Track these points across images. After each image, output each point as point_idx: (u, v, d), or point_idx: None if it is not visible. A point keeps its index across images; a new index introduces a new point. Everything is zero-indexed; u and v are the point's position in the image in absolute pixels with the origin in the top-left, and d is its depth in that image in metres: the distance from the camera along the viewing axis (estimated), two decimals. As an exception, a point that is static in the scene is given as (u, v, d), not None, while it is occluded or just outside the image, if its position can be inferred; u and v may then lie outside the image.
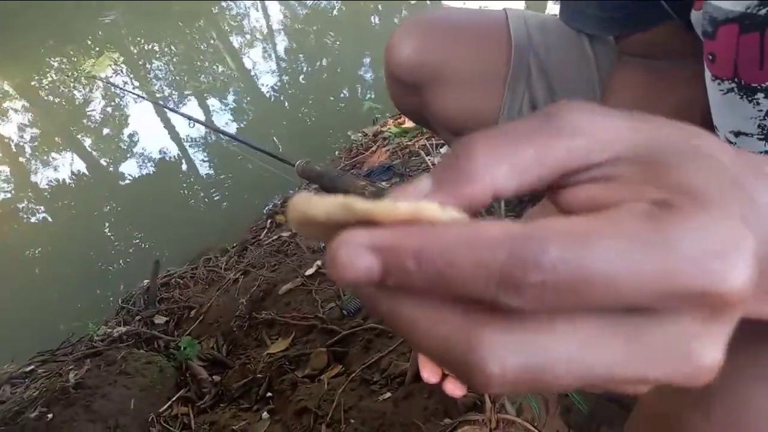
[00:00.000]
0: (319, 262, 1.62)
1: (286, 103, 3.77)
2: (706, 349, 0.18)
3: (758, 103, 0.45)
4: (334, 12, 4.90)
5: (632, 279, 0.16)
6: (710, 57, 0.47)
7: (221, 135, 2.79)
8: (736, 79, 0.45)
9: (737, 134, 0.49)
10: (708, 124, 0.57)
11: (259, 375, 1.33)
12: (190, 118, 2.52)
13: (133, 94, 3.71)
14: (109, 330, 1.77)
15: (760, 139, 0.47)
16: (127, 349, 1.57)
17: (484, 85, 0.78)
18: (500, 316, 0.17)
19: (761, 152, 0.48)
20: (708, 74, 0.49)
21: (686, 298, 0.17)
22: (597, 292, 0.16)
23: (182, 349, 1.50)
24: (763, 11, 0.40)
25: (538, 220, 0.17)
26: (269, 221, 2.13)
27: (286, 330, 1.43)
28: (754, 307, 0.21)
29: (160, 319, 1.80)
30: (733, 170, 0.19)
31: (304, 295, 1.51)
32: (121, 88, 3.86)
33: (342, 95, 3.66)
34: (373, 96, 3.43)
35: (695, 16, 0.52)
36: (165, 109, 3.43)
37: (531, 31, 0.78)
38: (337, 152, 2.59)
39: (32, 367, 1.66)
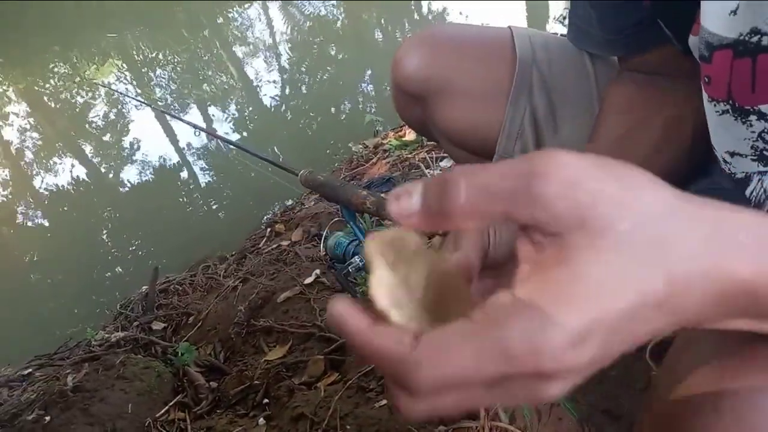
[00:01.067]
0: (317, 271, 1.64)
1: (288, 114, 3.80)
2: (548, 391, 0.26)
3: (751, 125, 0.47)
4: (338, 25, 4.96)
5: (476, 372, 0.25)
6: (706, 79, 0.49)
7: (224, 143, 2.81)
8: (730, 101, 0.47)
9: (732, 154, 0.50)
10: (699, 142, 0.59)
11: (256, 381, 1.34)
12: (193, 125, 2.55)
13: (136, 100, 3.74)
14: (107, 335, 1.78)
15: (753, 160, 0.49)
16: (125, 354, 1.58)
17: (488, 99, 0.80)
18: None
19: (755, 172, 0.50)
20: (705, 96, 0.51)
21: (519, 375, 0.25)
22: (456, 388, 0.26)
23: (180, 354, 1.51)
24: (754, 39, 0.43)
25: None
26: (269, 230, 2.15)
27: (283, 337, 1.44)
28: (716, 325, 0.29)
29: (158, 325, 1.81)
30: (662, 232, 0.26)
31: (302, 304, 1.52)
32: (123, 94, 3.89)
33: (343, 107, 3.69)
34: (374, 108, 3.46)
35: (693, 41, 0.54)
36: (167, 117, 3.45)
37: (535, 48, 0.80)
38: (337, 163, 2.61)
39: (30, 370, 1.66)
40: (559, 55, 0.81)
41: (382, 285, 0.28)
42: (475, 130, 0.80)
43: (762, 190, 0.48)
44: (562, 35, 0.88)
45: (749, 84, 0.45)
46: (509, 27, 0.84)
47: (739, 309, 0.28)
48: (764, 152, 0.48)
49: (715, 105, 0.49)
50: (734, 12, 0.44)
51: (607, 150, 0.67)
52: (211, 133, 3.03)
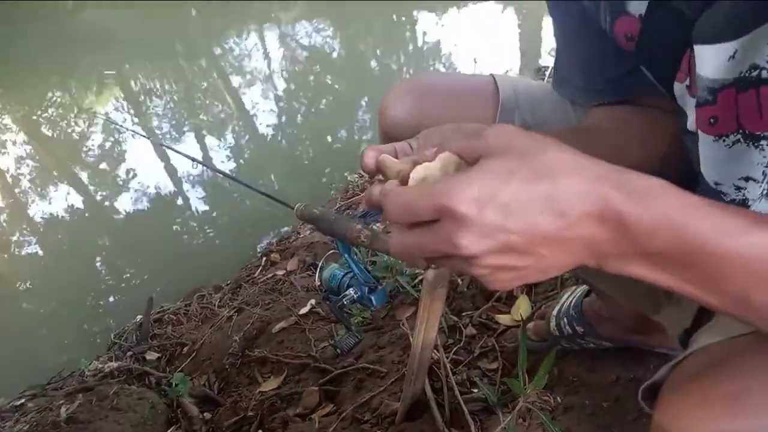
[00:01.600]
0: (312, 302, 1.65)
1: (284, 142, 3.84)
2: (459, 235, 0.38)
3: (763, 149, 0.48)
4: (334, 55, 5.04)
5: (416, 207, 0.40)
6: (712, 121, 0.51)
7: (221, 175, 2.83)
8: (740, 131, 0.49)
9: (747, 179, 0.52)
10: (675, 156, 0.62)
11: (250, 413, 1.34)
12: (191, 158, 2.57)
13: (132, 131, 3.77)
14: (100, 365, 1.77)
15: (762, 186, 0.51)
16: (119, 384, 1.57)
17: None
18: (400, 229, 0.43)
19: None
20: (708, 137, 0.52)
21: (437, 213, 0.38)
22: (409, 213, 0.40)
23: (174, 385, 1.51)
24: (754, 74, 0.45)
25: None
26: (264, 259, 2.16)
27: (278, 368, 1.45)
28: (616, 265, 0.39)
29: (152, 355, 1.80)
30: (541, 163, 0.39)
31: (297, 334, 1.53)
32: (120, 126, 3.92)
33: (339, 136, 3.73)
34: (369, 137, 3.50)
35: (678, 87, 0.56)
36: (159, 146, 3.48)
37: (518, 93, 0.84)
38: (333, 192, 2.63)
39: (22, 401, 1.65)
40: (542, 99, 0.84)
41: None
42: None
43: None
44: (547, 81, 0.91)
45: (757, 112, 0.47)
46: (491, 74, 0.87)
47: (613, 238, 0.38)
48: None
49: (724, 140, 0.51)
50: (733, 57, 0.46)
51: (577, 136, 0.71)
52: (207, 165, 3.06)
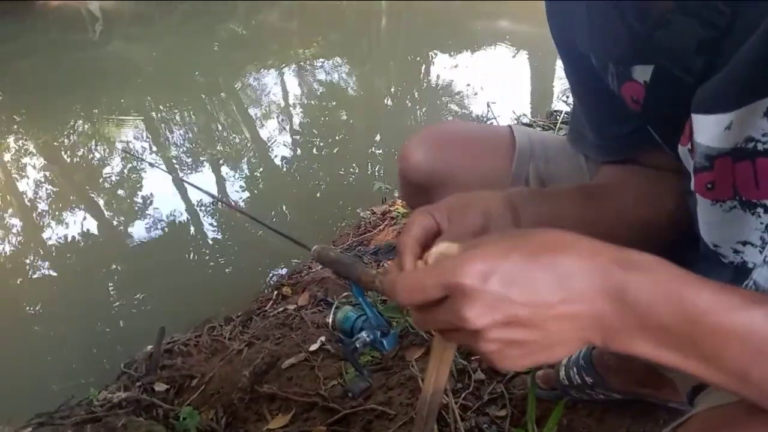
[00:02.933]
0: (322, 338, 1.66)
1: (297, 175, 3.89)
2: (465, 308, 0.39)
3: (759, 216, 0.50)
4: (349, 91, 5.14)
5: (425, 286, 0.42)
6: (709, 186, 0.53)
7: (239, 213, 2.87)
8: (737, 197, 0.51)
9: (744, 243, 0.53)
10: (679, 218, 0.63)
11: (257, 451, 1.34)
12: (209, 194, 2.62)
13: (150, 164, 3.84)
14: (109, 395, 1.78)
15: (760, 252, 0.52)
16: (127, 416, 1.57)
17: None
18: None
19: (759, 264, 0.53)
20: (706, 201, 0.54)
21: (445, 289, 0.41)
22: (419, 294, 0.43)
23: (182, 419, 1.51)
24: (750, 145, 0.47)
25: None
26: (275, 293, 2.18)
27: (287, 405, 1.45)
28: (621, 343, 0.40)
29: (160, 387, 1.81)
30: (541, 242, 0.41)
31: (307, 371, 1.53)
32: (139, 158, 4.01)
33: (352, 171, 3.78)
34: (382, 172, 3.55)
35: (682, 150, 0.59)
36: (178, 180, 3.54)
37: (533, 144, 0.87)
38: (345, 226, 2.67)
39: (30, 429, 1.66)
40: (556, 151, 0.87)
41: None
42: None
43: (752, 282, 0.51)
44: (559, 127, 0.95)
45: (753, 181, 0.49)
46: (509, 125, 0.91)
47: (615, 311, 0.39)
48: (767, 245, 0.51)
49: (721, 205, 0.53)
50: (728, 127, 0.48)
51: (585, 194, 0.73)
52: (223, 202, 3.11)
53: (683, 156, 0.59)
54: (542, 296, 0.39)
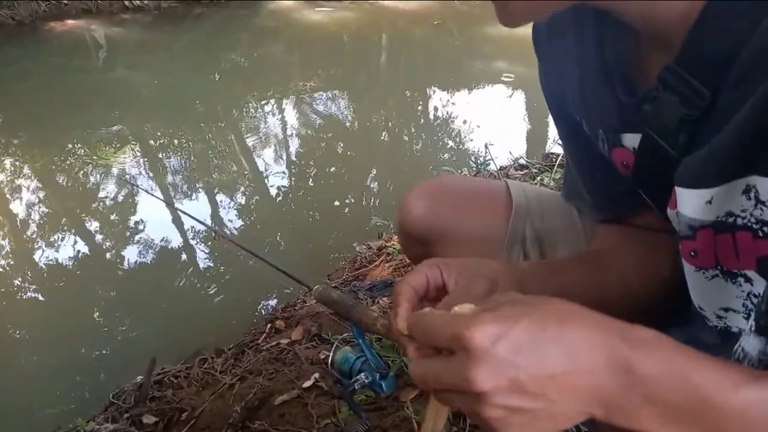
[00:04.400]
0: (316, 375, 1.65)
1: (293, 206, 3.91)
2: (473, 369, 0.40)
3: (740, 285, 0.52)
4: (347, 124, 5.21)
5: (436, 334, 0.44)
6: (692, 254, 0.55)
7: (238, 247, 2.87)
8: (718, 267, 0.53)
9: (726, 310, 0.56)
10: (674, 281, 0.65)
11: (247, 490, 1.32)
12: (205, 224, 2.61)
13: (147, 192, 3.85)
14: (96, 426, 1.75)
15: (744, 317, 0.54)
16: (114, 449, 1.55)
17: (484, 247, 0.87)
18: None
19: (744, 329, 0.53)
20: (690, 267, 0.56)
21: (453, 344, 0.42)
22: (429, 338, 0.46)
23: (171, 454, 1.49)
24: (730, 220, 0.49)
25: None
26: (269, 326, 2.16)
27: (278, 444, 1.43)
28: (625, 418, 0.40)
29: (149, 419, 1.78)
30: (549, 312, 0.42)
31: (299, 408, 1.52)
32: (134, 183, 4.02)
33: (348, 203, 3.81)
34: (378, 206, 3.58)
35: (671, 213, 0.61)
36: (174, 210, 3.55)
37: (529, 200, 0.90)
38: (340, 260, 2.67)
39: (14, 460, 1.62)
40: (551, 207, 0.90)
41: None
42: None
43: (740, 349, 0.52)
44: (557, 176, 0.98)
45: (733, 253, 0.51)
46: (505, 180, 0.93)
47: (620, 385, 0.39)
48: (751, 312, 0.53)
49: (704, 273, 0.55)
50: (709, 202, 0.50)
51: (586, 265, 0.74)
52: (220, 234, 3.11)
53: (672, 219, 0.61)
54: (548, 366, 0.39)
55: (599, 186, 0.76)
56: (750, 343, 0.49)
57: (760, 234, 0.47)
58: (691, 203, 0.52)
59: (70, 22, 7.19)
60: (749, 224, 0.48)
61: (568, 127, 0.75)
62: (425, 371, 0.44)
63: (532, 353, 0.39)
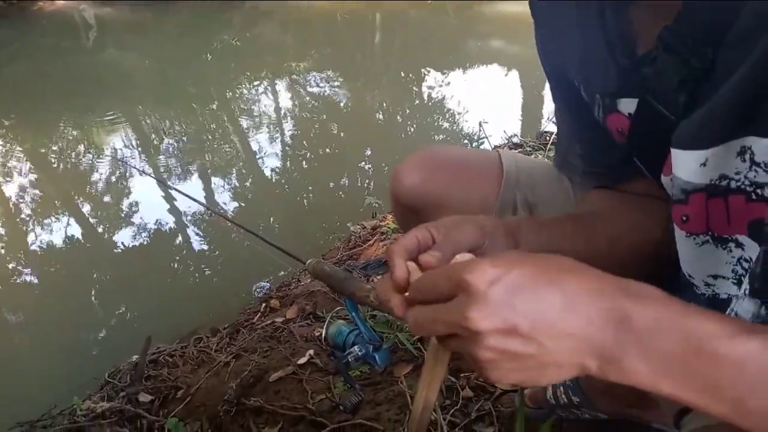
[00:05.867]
0: (311, 352, 1.65)
1: (287, 187, 3.90)
2: (471, 308, 0.40)
3: (731, 251, 0.52)
4: (341, 105, 5.18)
5: (437, 282, 0.45)
6: (684, 218, 0.55)
7: (235, 226, 2.86)
8: (709, 233, 0.53)
9: (715, 277, 0.56)
10: (665, 245, 0.65)
11: (243, 464, 1.33)
12: (199, 202, 2.61)
13: (139, 171, 3.83)
14: (93, 405, 1.75)
15: (734, 283, 0.54)
16: (110, 426, 1.56)
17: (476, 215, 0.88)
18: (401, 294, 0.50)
19: (734, 295, 0.55)
20: (681, 233, 0.57)
21: (453, 287, 0.42)
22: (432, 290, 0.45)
23: (167, 430, 1.50)
24: (724, 183, 0.50)
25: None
26: (263, 305, 2.17)
27: (273, 419, 1.44)
28: (619, 371, 0.39)
29: (145, 397, 1.79)
30: (551, 263, 0.43)
31: (294, 384, 1.53)
32: (127, 164, 3.99)
33: (342, 184, 3.80)
34: (372, 187, 3.57)
35: (665, 179, 0.61)
36: (168, 189, 3.53)
37: (520, 170, 0.89)
38: (334, 240, 2.67)
39: (10, 438, 1.63)
40: (543, 178, 0.90)
41: None
42: None
43: (734, 313, 0.52)
44: (552, 155, 0.98)
45: (725, 218, 0.51)
46: (498, 150, 0.93)
47: (616, 336, 0.39)
48: (741, 277, 0.53)
49: (694, 238, 0.55)
50: (704, 164, 0.50)
51: (576, 226, 0.75)
52: (216, 212, 3.10)
53: (666, 185, 0.61)
54: (545, 310, 0.39)
55: (593, 154, 0.75)
56: (743, 307, 0.49)
57: (754, 197, 0.47)
58: (686, 166, 0.52)
59: (59, 2, 7.08)
60: (743, 187, 0.48)
61: (565, 92, 0.75)
62: (423, 314, 0.45)
63: (529, 297, 0.39)
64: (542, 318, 0.39)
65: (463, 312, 0.40)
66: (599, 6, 0.63)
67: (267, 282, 2.60)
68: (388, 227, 2.35)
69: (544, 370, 0.41)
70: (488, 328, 0.39)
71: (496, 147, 2.89)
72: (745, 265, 0.52)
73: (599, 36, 0.63)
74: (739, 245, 0.52)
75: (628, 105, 0.62)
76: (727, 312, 0.56)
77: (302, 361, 1.62)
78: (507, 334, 0.39)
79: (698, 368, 0.39)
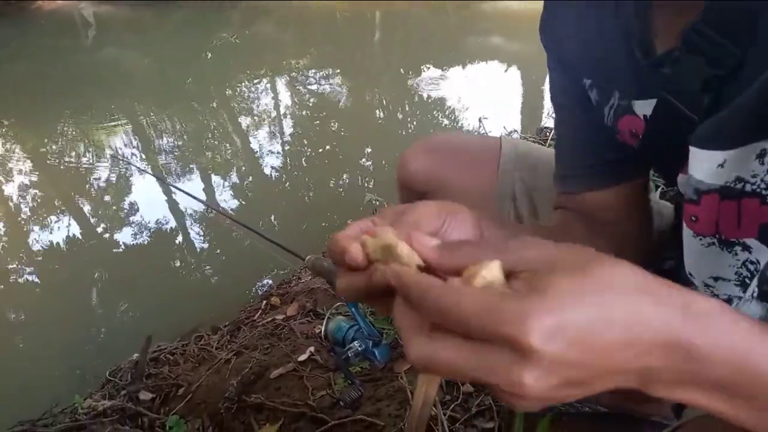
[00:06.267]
0: (311, 349, 1.66)
1: (287, 185, 3.90)
2: (524, 372, 0.32)
3: (736, 254, 0.52)
4: (340, 103, 5.17)
5: (473, 321, 0.33)
6: (693, 218, 0.55)
7: (232, 222, 2.86)
8: (717, 235, 0.53)
9: (716, 279, 0.55)
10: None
11: (244, 461, 1.33)
12: (199, 200, 2.61)
13: (139, 168, 3.83)
14: (94, 403, 1.76)
15: (736, 285, 0.54)
16: (112, 424, 1.56)
17: (479, 202, 0.88)
18: (424, 331, 0.35)
19: (736, 296, 0.55)
20: (689, 232, 0.56)
21: (498, 339, 0.32)
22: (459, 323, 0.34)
23: (168, 428, 1.50)
24: (739, 186, 0.49)
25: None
26: (264, 303, 2.17)
27: (274, 415, 1.44)
28: (664, 391, 0.36)
29: (146, 395, 1.79)
30: (604, 284, 0.34)
31: (295, 381, 1.53)
32: (127, 162, 3.99)
33: (342, 181, 3.80)
34: (372, 184, 3.57)
35: (682, 179, 0.61)
36: (168, 186, 3.53)
37: (519, 156, 0.90)
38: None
39: (12, 436, 1.64)
40: (544, 164, 0.90)
41: None
42: None
43: None
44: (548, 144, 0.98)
45: (735, 221, 0.50)
46: (500, 137, 0.94)
47: (672, 366, 0.35)
48: (746, 279, 0.53)
49: (700, 239, 0.55)
50: (722, 165, 0.50)
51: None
52: (217, 210, 3.10)
53: (682, 185, 0.61)
54: (605, 356, 0.33)
55: (585, 152, 0.75)
56: (750, 310, 0.49)
57: None
58: (702, 165, 0.52)
59: (58, 0, 7.08)
60: (758, 190, 0.48)
61: (570, 89, 0.74)
62: (452, 357, 0.34)
63: (589, 344, 0.33)
64: (601, 364, 0.34)
65: (514, 375, 0.32)
66: (617, 6, 0.62)
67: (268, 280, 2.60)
68: (388, 224, 2.35)
69: (581, 394, 0.37)
70: (542, 387, 0.33)
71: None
72: (751, 267, 0.52)
73: (617, 34, 0.62)
74: (746, 248, 0.51)
75: (644, 107, 0.62)
76: None
77: (303, 357, 1.63)
78: (560, 386, 0.34)
79: (750, 392, 0.35)
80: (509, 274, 0.37)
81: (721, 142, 0.50)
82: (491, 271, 0.36)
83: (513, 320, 0.32)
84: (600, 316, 0.33)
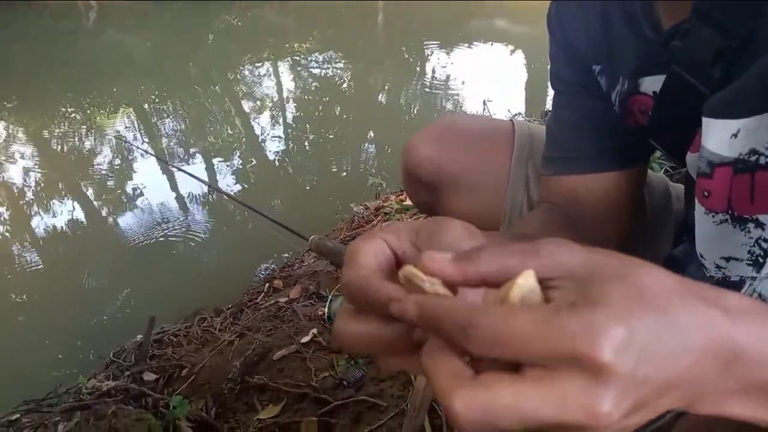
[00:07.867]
0: (314, 331, 1.66)
1: (290, 169, 3.89)
2: (601, 396, 0.27)
3: (749, 232, 0.51)
4: (343, 87, 5.14)
5: (532, 343, 0.27)
6: (705, 194, 0.54)
7: (236, 203, 2.86)
8: (729, 212, 0.52)
9: (728, 259, 0.54)
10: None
11: (247, 440, 1.34)
12: (203, 181, 2.60)
13: (142, 150, 3.82)
14: (98, 383, 1.77)
15: (748, 265, 0.53)
16: (116, 404, 1.57)
17: (491, 191, 0.86)
18: (467, 378, 0.28)
19: (748, 277, 0.54)
20: (701, 209, 0.55)
21: (565, 359, 0.27)
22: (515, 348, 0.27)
23: (172, 408, 1.51)
24: (753, 158, 0.48)
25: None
26: (267, 285, 2.17)
27: (277, 396, 1.45)
28: (710, 406, 0.32)
29: (149, 376, 1.80)
30: (653, 289, 0.30)
31: (298, 362, 1.54)
32: (130, 143, 3.98)
33: (345, 165, 3.79)
34: (375, 168, 3.56)
35: (691, 158, 0.60)
36: (170, 167, 3.53)
37: (534, 141, 0.87)
38: (337, 221, 2.67)
39: (17, 415, 1.65)
40: None
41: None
42: (479, 218, 0.86)
43: (756, 295, 0.49)
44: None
45: (748, 196, 0.49)
46: (512, 120, 0.91)
47: (719, 372, 0.31)
48: (759, 258, 0.52)
49: (713, 216, 0.54)
50: (735, 135, 0.49)
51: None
52: (219, 190, 3.09)
53: (691, 165, 0.59)
54: (669, 371, 0.29)
55: (590, 136, 0.73)
56: (765, 288, 0.47)
57: None
58: (716, 136, 0.51)
59: (58, -17, 7.02)
60: None
61: (574, 73, 0.72)
62: (501, 403, 0.27)
63: (654, 357, 0.29)
64: (663, 377, 0.30)
65: (592, 402, 0.27)
66: None
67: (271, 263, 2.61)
68: (391, 208, 2.34)
69: (641, 421, 0.32)
70: (620, 413, 0.28)
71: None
72: (764, 245, 0.51)
73: (625, 17, 0.61)
74: (759, 225, 0.50)
75: (652, 84, 0.61)
76: (744, 291, 0.54)
77: (305, 339, 1.63)
78: (630, 413, 0.29)
79: None
80: (541, 283, 0.31)
81: (734, 111, 0.48)
82: (527, 283, 0.30)
83: (580, 336, 0.27)
84: (661, 325, 0.29)
